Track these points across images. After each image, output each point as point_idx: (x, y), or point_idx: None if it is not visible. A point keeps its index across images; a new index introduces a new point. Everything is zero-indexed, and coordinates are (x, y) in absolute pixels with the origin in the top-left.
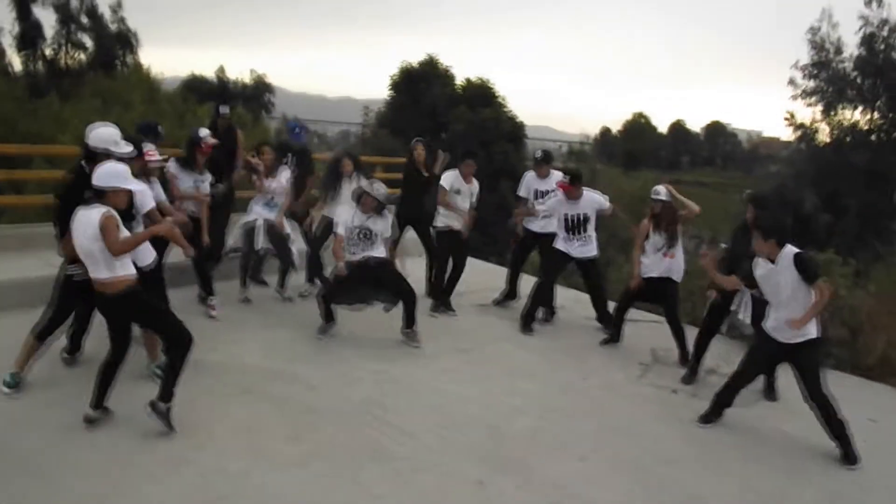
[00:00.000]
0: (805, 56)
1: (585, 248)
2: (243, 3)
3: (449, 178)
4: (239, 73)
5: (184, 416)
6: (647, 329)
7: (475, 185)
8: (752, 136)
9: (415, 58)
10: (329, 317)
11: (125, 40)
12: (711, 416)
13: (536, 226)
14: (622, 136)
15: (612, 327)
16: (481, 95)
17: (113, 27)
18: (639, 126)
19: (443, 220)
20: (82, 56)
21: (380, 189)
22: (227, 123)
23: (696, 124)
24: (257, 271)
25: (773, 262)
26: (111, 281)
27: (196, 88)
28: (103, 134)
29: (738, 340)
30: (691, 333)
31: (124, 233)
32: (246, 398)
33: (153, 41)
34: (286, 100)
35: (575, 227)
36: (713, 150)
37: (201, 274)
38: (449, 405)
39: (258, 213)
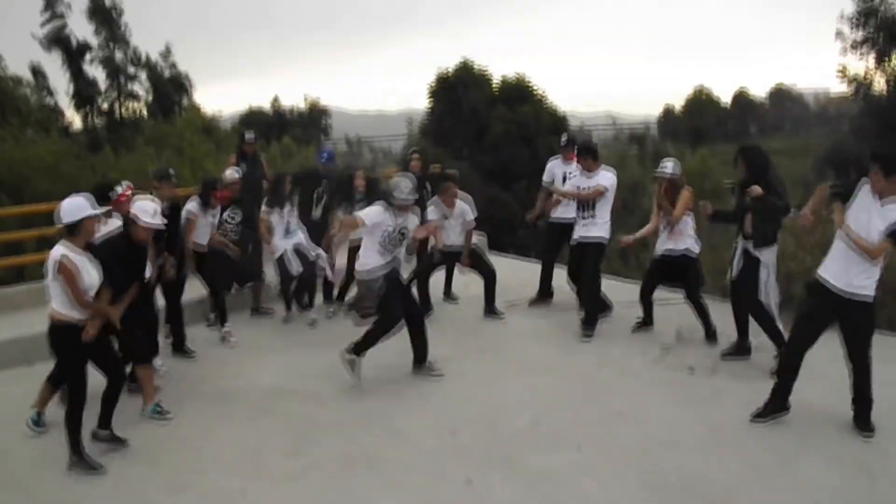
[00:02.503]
0: (850, 5)
1: (586, 229)
2: (294, 32)
3: (433, 210)
4: (294, 101)
5: (196, 442)
6: (675, 310)
7: (461, 206)
8: (819, 95)
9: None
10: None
11: (179, 84)
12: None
13: (558, 213)
14: (685, 114)
15: (591, 327)
16: (518, 93)
17: (166, 73)
18: (700, 101)
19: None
20: (135, 105)
21: (404, 187)
22: (253, 150)
23: (760, 90)
24: (301, 295)
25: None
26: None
27: (253, 122)
28: (72, 206)
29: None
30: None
31: (86, 277)
32: (257, 419)
33: (210, 79)
34: (347, 120)
35: (583, 204)
36: (780, 115)
37: (219, 303)
38: (453, 407)
39: (282, 246)
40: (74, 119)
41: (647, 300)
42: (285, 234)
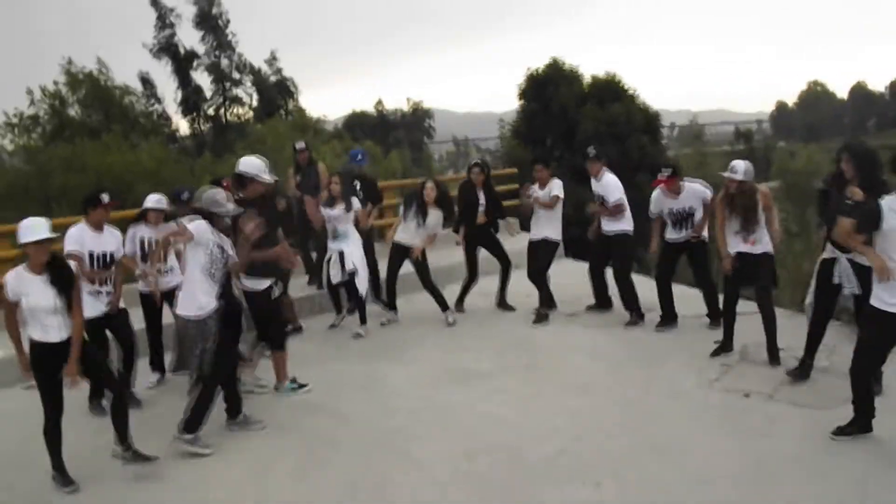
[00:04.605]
0: None
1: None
2: (401, 32)
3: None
4: (398, 102)
5: (207, 458)
6: (746, 322)
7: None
8: None
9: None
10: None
11: (284, 88)
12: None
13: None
14: (799, 109)
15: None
16: (610, 91)
17: (271, 78)
18: (814, 95)
19: None
20: (240, 110)
21: (221, 199)
22: (307, 158)
23: (880, 83)
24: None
25: None
26: None
27: (357, 124)
28: (28, 227)
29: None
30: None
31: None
32: (272, 435)
33: (316, 83)
34: (454, 121)
35: (680, 220)
36: None
37: None
38: (480, 430)
39: (330, 249)
40: (181, 125)
41: (729, 314)
42: (333, 238)
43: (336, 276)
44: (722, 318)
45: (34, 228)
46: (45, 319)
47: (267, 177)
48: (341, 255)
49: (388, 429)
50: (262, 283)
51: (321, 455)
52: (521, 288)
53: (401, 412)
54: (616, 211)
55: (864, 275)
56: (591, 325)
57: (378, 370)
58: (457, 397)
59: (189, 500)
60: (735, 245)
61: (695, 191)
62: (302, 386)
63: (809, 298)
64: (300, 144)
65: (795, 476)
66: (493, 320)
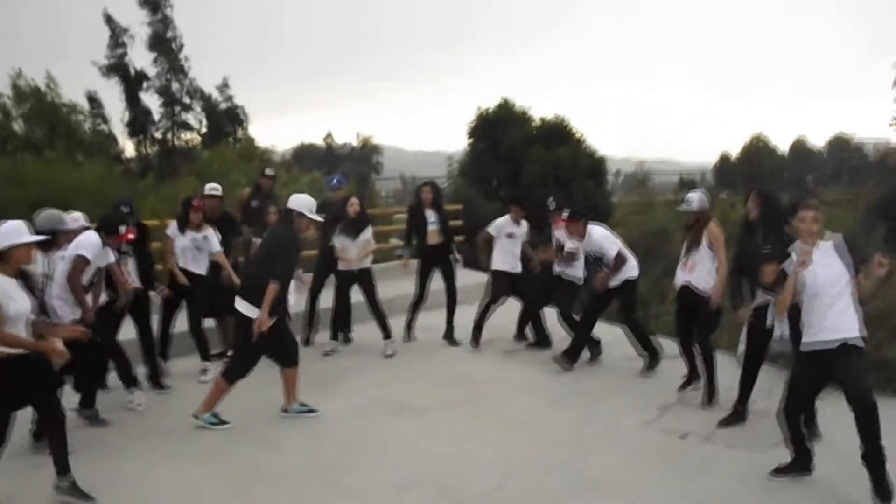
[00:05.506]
0: None
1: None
2: (354, 66)
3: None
4: (347, 137)
5: (137, 481)
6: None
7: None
8: (880, 147)
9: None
10: None
11: (234, 116)
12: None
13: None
14: (741, 162)
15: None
16: (557, 134)
17: (222, 105)
18: (756, 149)
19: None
20: (188, 136)
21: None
22: (271, 185)
23: (819, 139)
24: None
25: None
26: None
27: (306, 155)
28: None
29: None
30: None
31: (13, 305)
32: (204, 462)
33: (266, 114)
34: (404, 158)
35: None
36: (839, 165)
37: (196, 339)
38: (412, 464)
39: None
40: (127, 146)
41: (688, 350)
42: None
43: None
44: (682, 355)
45: (20, 230)
46: (21, 327)
47: (315, 216)
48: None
49: (320, 459)
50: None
51: (248, 485)
52: (463, 322)
53: (334, 443)
54: (620, 262)
55: (792, 317)
56: (528, 363)
57: (312, 400)
58: (392, 430)
59: None
60: (681, 276)
61: (600, 242)
62: (311, 410)
63: (741, 347)
64: (270, 171)
65: None
66: (433, 354)
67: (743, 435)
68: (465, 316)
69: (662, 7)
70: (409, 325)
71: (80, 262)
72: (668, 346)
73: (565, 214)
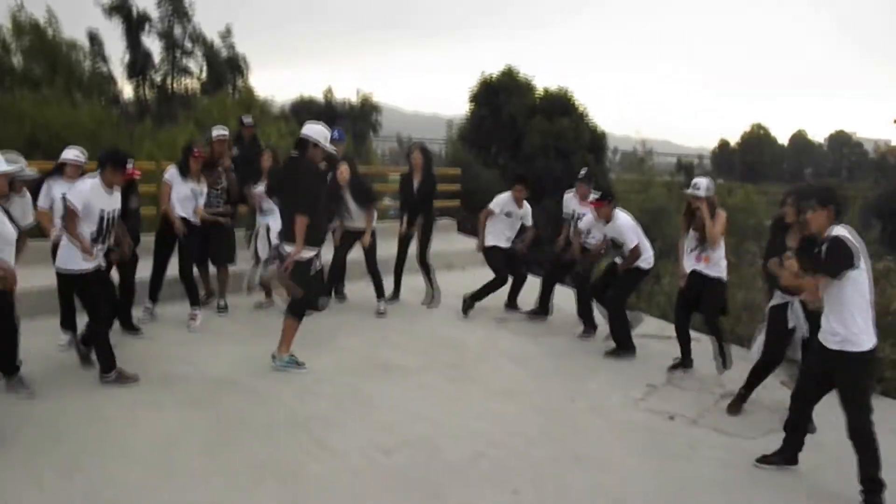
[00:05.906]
0: None
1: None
2: (355, 26)
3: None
4: (347, 93)
5: (116, 425)
6: (676, 345)
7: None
8: (880, 144)
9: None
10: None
11: (235, 65)
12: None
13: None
14: (741, 149)
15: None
16: (560, 105)
17: (223, 53)
18: (757, 138)
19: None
20: (188, 82)
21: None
22: (252, 133)
23: (819, 134)
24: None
25: None
26: None
27: (304, 110)
28: None
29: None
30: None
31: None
32: (185, 410)
33: (268, 64)
34: (401, 119)
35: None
36: (838, 160)
37: (188, 285)
38: (400, 425)
39: (259, 223)
40: (126, 88)
41: (682, 337)
42: (261, 212)
43: (263, 250)
44: (677, 338)
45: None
46: (5, 251)
47: (329, 145)
48: (268, 228)
49: (305, 414)
50: (306, 253)
51: (230, 434)
52: (456, 288)
53: (320, 399)
54: (635, 255)
55: (813, 318)
56: (520, 333)
57: (303, 355)
58: (380, 390)
59: (80, 464)
60: (690, 264)
61: (623, 230)
62: (299, 364)
63: (755, 346)
64: (248, 119)
65: (715, 501)
66: (425, 317)
67: (732, 420)
68: (457, 281)
69: (662, 6)
70: (397, 285)
71: (72, 213)
72: (659, 327)
73: (595, 196)
